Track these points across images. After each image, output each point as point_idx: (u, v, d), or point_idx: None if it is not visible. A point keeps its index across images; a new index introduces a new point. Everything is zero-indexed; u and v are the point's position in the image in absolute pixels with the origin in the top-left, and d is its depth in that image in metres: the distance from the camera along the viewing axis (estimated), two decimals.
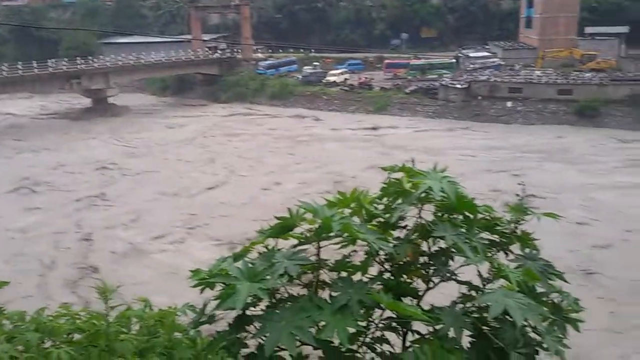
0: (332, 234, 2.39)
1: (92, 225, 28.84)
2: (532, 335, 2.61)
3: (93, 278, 21.61)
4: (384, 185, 2.74)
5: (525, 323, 2.41)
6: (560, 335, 2.68)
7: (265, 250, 2.31)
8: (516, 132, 40.64)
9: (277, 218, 2.30)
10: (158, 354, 2.27)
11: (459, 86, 52.06)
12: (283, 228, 2.30)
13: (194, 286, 2.15)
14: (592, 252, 22.18)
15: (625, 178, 30.30)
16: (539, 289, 2.75)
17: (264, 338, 1.98)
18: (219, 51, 74.55)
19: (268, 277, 2.02)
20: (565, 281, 2.80)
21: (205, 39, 76.21)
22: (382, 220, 2.68)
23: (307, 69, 67.04)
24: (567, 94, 46.61)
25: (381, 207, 2.77)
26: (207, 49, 74.68)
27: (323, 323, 2.04)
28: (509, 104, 47.84)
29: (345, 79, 61.89)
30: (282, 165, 36.22)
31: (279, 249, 2.34)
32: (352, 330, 2.43)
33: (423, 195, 2.55)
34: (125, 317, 2.54)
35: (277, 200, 28.38)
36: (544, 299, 2.79)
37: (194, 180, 35.26)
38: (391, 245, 2.55)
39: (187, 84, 71.76)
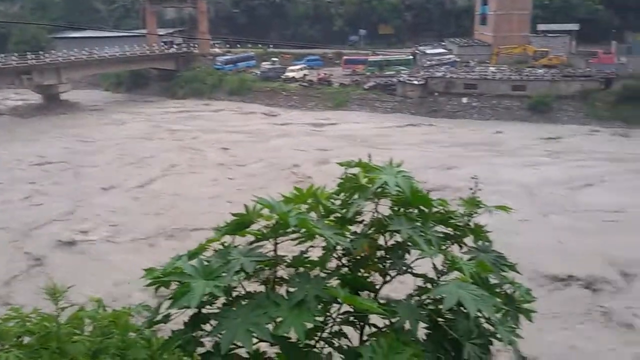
0: (289, 230, 2.39)
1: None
2: (486, 326, 2.67)
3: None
4: (341, 181, 2.76)
5: (480, 314, 2.47)
6: (513, 326, 2.76)
7: (221, 247, 2.29)
8: (466, 127, 41.43)
9: (234, 215, 2.28)
10: (112, 355, 2.22)
11: (416, 82, 52.70)
12: (239, 225, 2.29)
13: (148, 285, 2.11)
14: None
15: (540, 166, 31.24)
16: (492, 281, 2.82)
17: (220, 336, 1.96)
18: (175, 46, 73.25)
19: (224, 274, 2.00)
20: (517, 272, 2.88)
21: (161, 33, 74.72)
22: (339, 215, 2.70)
23: (266, 65, 66.60)
24: (521, 90, 47.80)
25: (338, 202, 2.78)
26: (162, 44, 73.33)
27: (281, 319, 2.03)
28: (464, 100, 48.76)
29: (305, 75, 61.77)
30: (226, 160, 35.79)
31: (235, 246, 2.32)
32: (310, 325, 2.44)
33: (379, 190, 2.57)
34: (78, 318, 2.47)
35: (210, 193, 28.23)
36: (497, 290, 2.86)
37: (129, 176, 34.46)
38: (348, 240, 2.57)
39: (142, 80, 70.26)
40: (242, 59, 69.78)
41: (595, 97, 43.09)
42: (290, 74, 61.76)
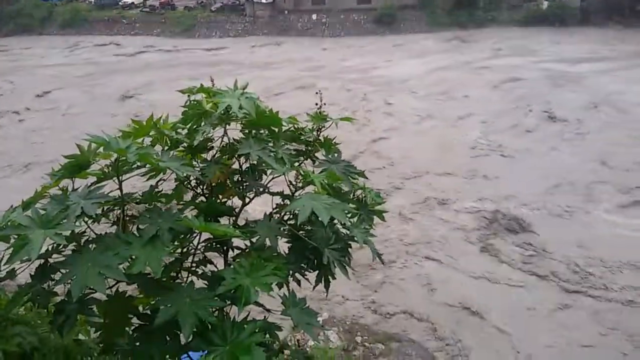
0: (134, 167, 2.29)
1: None
2: (344, 231, 2.83)
3: None
4: (185, 109, 2.66)
5: (336, 221, 2.60)
6: (367, 227, 2.95)
7: (59, 192, 2.14)
8: (316, 44, 41.49)
9: (67, 157, 2.12)
10: None
11: (264, 1, 51.45)
12: (76, 167, 2.13)
13: None
14: None
15: None
16: (345, 189, 2.96)
17: (71, 283, 1.87)
18: None
19: (64, 221, 1.88)
20: (366, 177, 3.04)
21: None
22: (187, 144, 2.63)
23: None
24: (366, 3, 48.53)
25: (185, 132, 2.70)
26: None
27: (134, 257, 1.98)
28: (314, 16, 48.69)
29: None
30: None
31: (75, 189, 2.18)
32: (170, 259, 2.42)
33: (224, 114, 2.53)
34: None
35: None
36: (350, 196, 3.02)
37: None
38: (198, 169, 2.53)
39: None
40: None
41: (436, 5, 45.10)
42: (129, 0, 57.28)
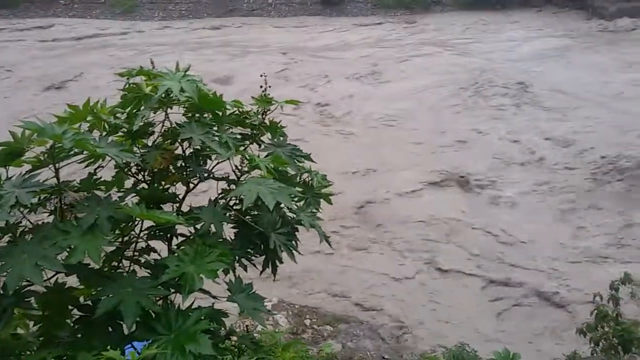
0: (71, 153, 2.20)
1: None
2: (292, 215, 2.83)
3: None
4: (123, 93, 2.58)
5: (283, 205, 2.60)
6: (314, 211, 2.96)
7: None
8: (262, 25, 41.07)
9: None
10: None
11: None
12: (9, 155, 2.04)
13: None
14: None
15: None
16: (291, 172, 2.96)
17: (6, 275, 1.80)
18: None
19: None
20: (312, 161, 3.04)
21: None
22: (126, 130, 2.55)
23: None
24: None
25: (125, 116, 2.62)
26: None
27: (73, 247, 1.91)
28: None
29: None
30: None
31: (9, 178, 2.09)
32: (111, 248, 2.36)
33: (165, 97, 2.47)
34: None
35: None
36: (296, 180, 3.02)
37: None
38: (138, 155, 2.46)
39: None
40: None
41: None
42: None
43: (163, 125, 2.61)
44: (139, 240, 2.49)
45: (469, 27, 32.51)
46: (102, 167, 2.47)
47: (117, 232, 2.38)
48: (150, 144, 2.68)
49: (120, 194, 2.52)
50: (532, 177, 11.50)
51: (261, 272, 2.68)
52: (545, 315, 7.79)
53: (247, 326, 5.78)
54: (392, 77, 20.80)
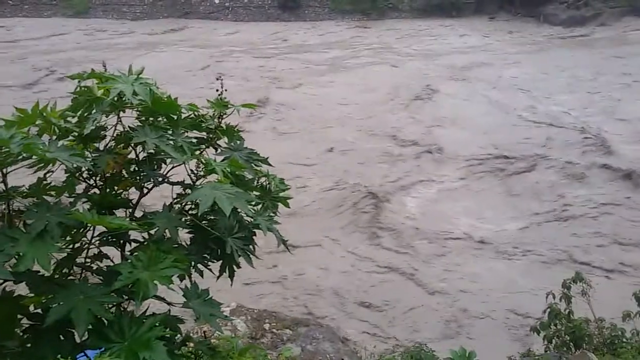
0: (19, 158, 2.13)
1: None
2: (249, 219, 2.81)
3: None
4: (75, 96, 2.52)
5: (240, 210, 2.57)
6: (272, 214, 2.95)
7: None
8: (219, 28, 40.72)
9: None
10: None
11: None
12: None
13: None
14: None
15: None
16: (248, 177, 2.94)
17: None
18: None
19: None
20: (270, 164, 3.04)
21: None
22: (77, 133, 2.48)
23: None
24: None
25: (76, 120, 2.55)
26: None
27: (21, 254, 1.85)
28: (216, 0, 47.67)
29: None
30: None
31: None
32: (62, 255, 2.29)
33: (117, 100, 2.42)
34: None
35: None
36: (253, 184, 3.00)
37: None
38: (89, 159, 2.40)
39: None
40: None
41: None
42: None
43: (115, 129, 2.55)
44: (91, 246, 2.43)
45: (419, 32, 33.33)
46: (52, 172, 2.40)
47: (67, 238, 2.31)
48: (102, 148, 2.62)
49: (71, 200, 2.46)
50: None
51: (218, 278, 2.66)
52: None
53: (204, 332, 5.70)
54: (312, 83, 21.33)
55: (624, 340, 6.28)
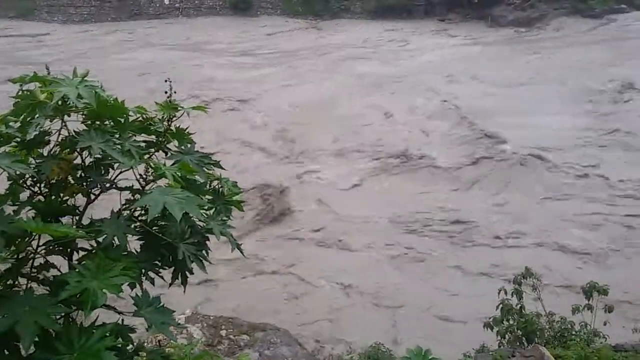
0: None
1: None
2: (201, 224, 2.77)
3: None
4: (16, 100, 2.42)
5: (192, 215, 2.53)
6: (225, 219, 2.91)
7: None
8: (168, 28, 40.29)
9: None
10: None
11: None
12: None
13: None
14: None
15: None
16: (200, 180, 2.89)
17: None
18: None
19: None
20: (223, 168, 3.00)
21: None
22: (20, 139, 2.39)
23: None
24: None
25: (18, 125, 2.46)
26: None
27: None
28: (166, 0, 46.94)
29: None
30: None
31: None
32: (6, 265, 2.20)
33: (61, 104, 2.34)
34: None
35: None
36: (206, 188, 2.95)
37: None
38: (32, 166, 2.31)
39: None
40: None
41: None
42: None
43: (60, 134, 2.47)
44: (37, 256, 2.34)
45: (372, 34, 33.95)
46: None
47: (12, 248, 2.22)
48: (46, 153, 2.53)
49: (14, 208, 2.36)
50: None
51: (170, 284, 2.61)
52: None
53: (159, 341, 5.58)
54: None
55: (573, 332, 6.52)
